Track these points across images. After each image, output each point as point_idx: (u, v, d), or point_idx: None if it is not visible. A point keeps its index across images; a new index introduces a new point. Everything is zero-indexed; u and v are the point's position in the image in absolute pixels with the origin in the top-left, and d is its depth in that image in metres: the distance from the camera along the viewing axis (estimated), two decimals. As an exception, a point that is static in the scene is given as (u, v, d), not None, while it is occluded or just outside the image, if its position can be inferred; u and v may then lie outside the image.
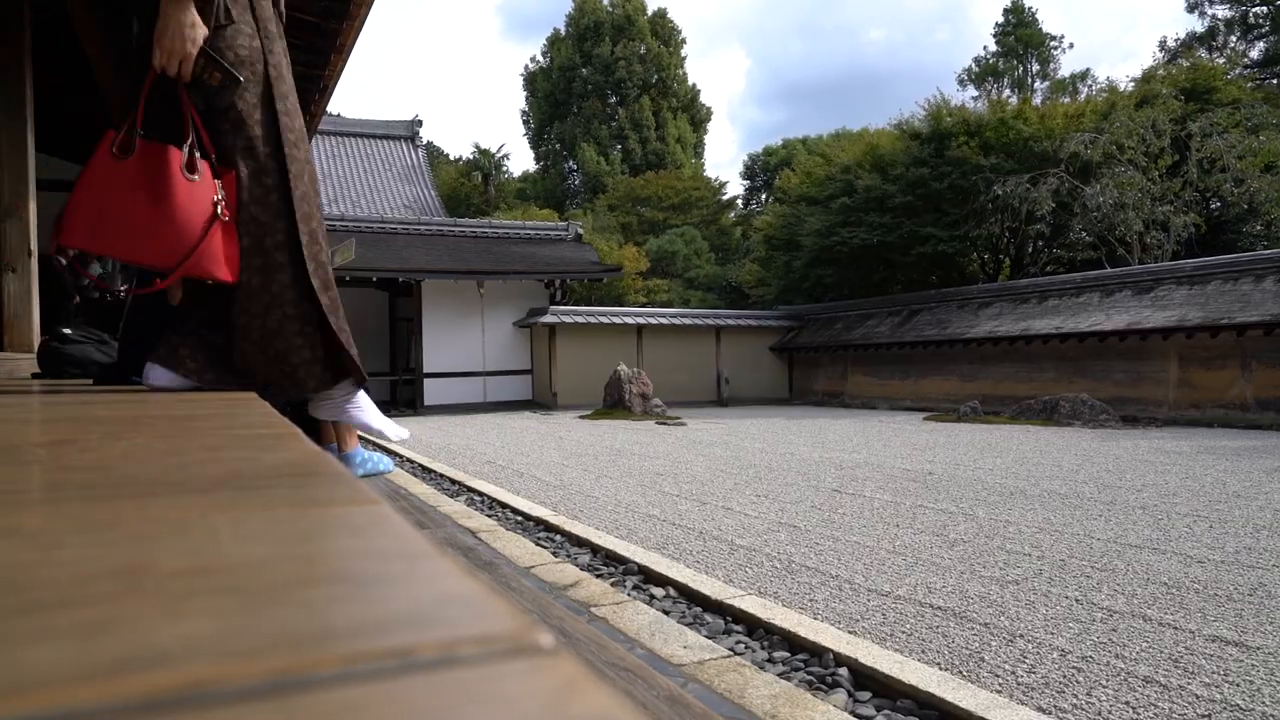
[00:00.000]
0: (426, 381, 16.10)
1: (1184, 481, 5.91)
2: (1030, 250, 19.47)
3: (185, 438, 0.77)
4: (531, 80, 42.04)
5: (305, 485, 0.48)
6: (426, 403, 15.98)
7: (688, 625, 2.78)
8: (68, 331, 3.49)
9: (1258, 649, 2.50)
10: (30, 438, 0.79)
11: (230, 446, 0.69)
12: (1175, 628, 2.70)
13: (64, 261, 1.91)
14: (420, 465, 7.15)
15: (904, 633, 2.70)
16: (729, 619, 2.86)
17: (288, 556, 0.30)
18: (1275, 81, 23.67)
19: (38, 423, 1.00)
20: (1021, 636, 2.64)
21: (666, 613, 2.91)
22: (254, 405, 1.29)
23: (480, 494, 5.61)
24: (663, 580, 3.30)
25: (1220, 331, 10.93)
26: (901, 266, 19.60)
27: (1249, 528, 4.26)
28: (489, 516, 4.78)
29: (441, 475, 6.58)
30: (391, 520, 0.35)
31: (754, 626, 2.75)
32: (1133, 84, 18.84)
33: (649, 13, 40.28)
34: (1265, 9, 26.88)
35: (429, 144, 34.68)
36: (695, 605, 3.03)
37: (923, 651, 2.53)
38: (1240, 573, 3.37)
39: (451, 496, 5.55)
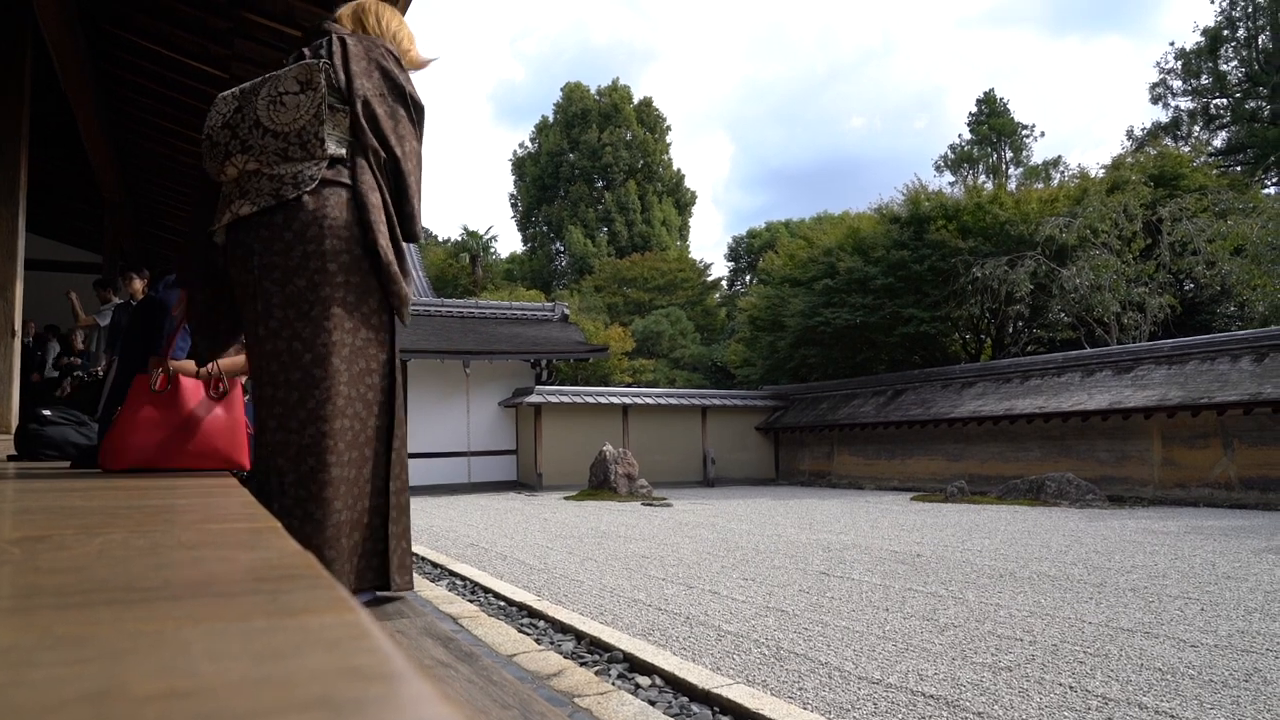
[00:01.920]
0: (410, 461, 15.92)
1: (1173, 563, 5.87)
2: (1011, 330, 19.76)
3: (163, 532, 0.76)
4: (520, 165, 43.01)
5: (282, 591, 0.47)
6: (410, 483, 15.77)
7: (674, 716, 2.71)
8: (47, 413, 3.46)
9: (1256, 739, 2.45)
10: (3, 533, 0.77)
11: (208, 544, 0.68)
12: (1172, 716, 2.65)
13: (29, 341, 2.16)
14: (402, 548, 7.02)
15: (896, 723, 2.63)
16: (717, 709, 2.78)
17: (262, 677, 0.29)
18: (1239, 169, 24.53)
19: (11, 514, 0.98)
20: (1016, 727, 2.58)
21: (652, 703, 2.83)
22: (233, 493, 1.28)
23: (462, 578, 5.50)
24: (648, 668, 3.22)
25: (1201, 411, 11.03)
26: (885, 347, 19.80)
27: (1240, 610, 4.22)
28: (471, 601, 4.68)
29: (423, 559, 6.45)
30: (369, 633, 0.35)
31: (742, 717, 2.67)
32: (1103, 170, 19.48)
33: (635, 101, 41.57)
34: (1225, 100, 28.09)
35: (418, 225, 35.15)
36: (682, 694, 2.95)
37: (915, 743, 2.46)
38: (1234, 657, 3.32)
39: (433, 581, 5.43)
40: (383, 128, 2.06)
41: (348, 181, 2.01)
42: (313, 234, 1.94)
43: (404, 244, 2.11)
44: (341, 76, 2.05)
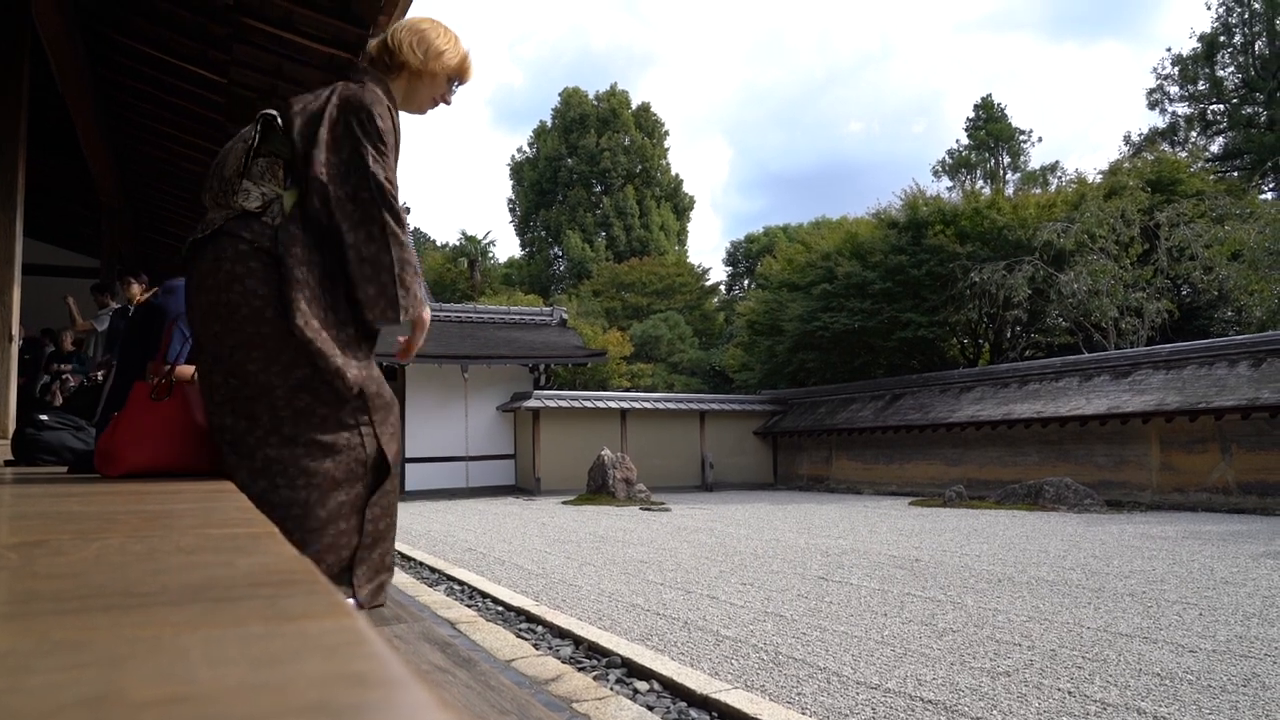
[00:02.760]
0: (408, 466, 15.92)
1: (1171, 567, 5.87)
2: (1009, 335, 19.78)
3: (160, 538, 0.76)
4: (518, 170, 43.03)
5: (280, 596, 0.47)
6: (408, 488, 15.77)
7: (672, 722, 2.70)
8: (44, 418, 3.46)
9: (1254, 744, 2.45)
10: (0, 538, 0.77)
11: (205, 549, 0.68)
12: (1170, 722, 2.65)
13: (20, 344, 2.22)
14: (400, 553, 7.01)
15: (894, 729, 2.63)
16: (715, 714, 2.77)
17: (260, 683, 0.29)
18: (1236, 174, 24.60)
19: (8, 519, 0.98)
20: (1014, 732, 2.57)
21: (651, 708, 2.82)
22: (231, 498, 1.28)
23: (461, 583, 5.49)
24: (647, 673, 3.21)
25: (1199, 415, 11.04)
26: (883, 351, 19.81)
27: (1238, 615, 4.22)
28: (469, 606, 4.67)
29: (421, 563, 6.44)
30: (367, 639, 0.35)
31: (741, 723, 2.66)
32: (1101, 176, 19.51)
33: (633, 106, 41.63)
34: (1222, 106, 28.17)
35: (416, 230, 35.21)
36: (680, 700, 2.95)
37: (914, 749, 2.46)
38: (1233, 663, 3.32)
39: (431, 585, 5.43)
40: (335, 213, 1.93)
41: (264, 244, 1.91)
42: (209, 284, 1.93)
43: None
44: (299, 143, 1.97)
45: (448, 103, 2.26)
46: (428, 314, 2.08)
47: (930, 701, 2.87)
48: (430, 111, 2.27)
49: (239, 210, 1.94)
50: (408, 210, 29.88)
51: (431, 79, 2.18)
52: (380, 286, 1.94)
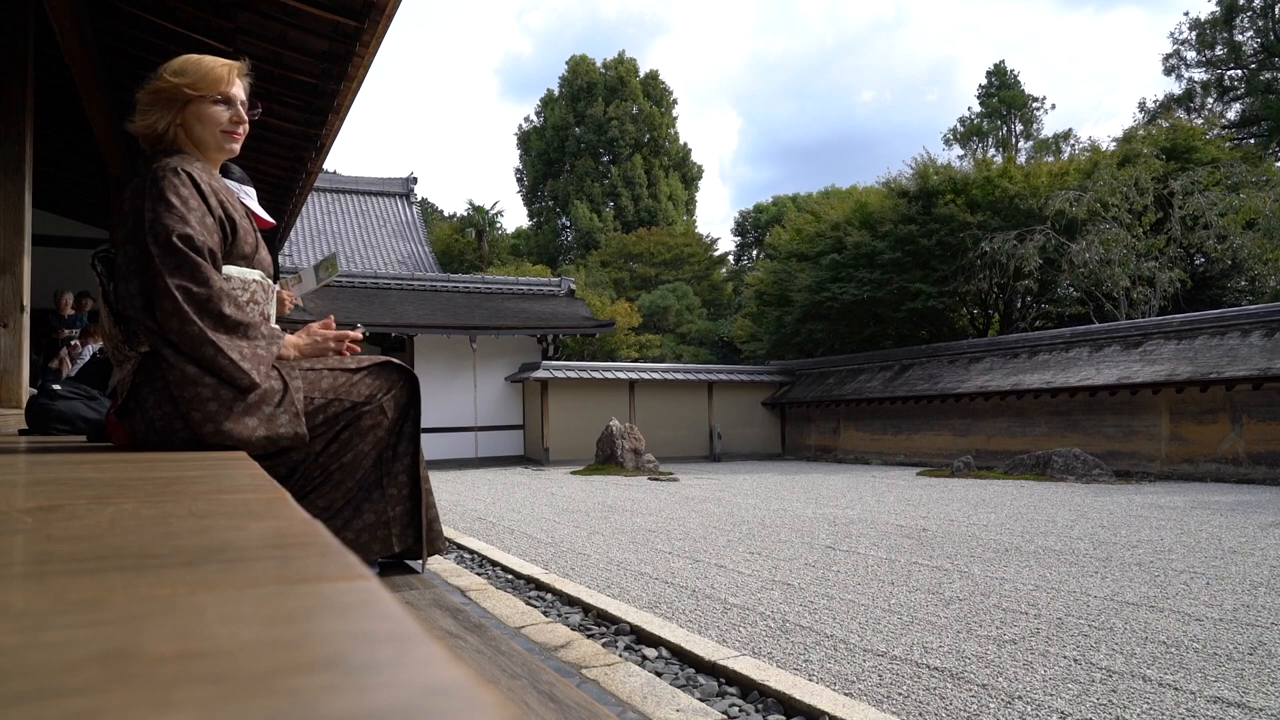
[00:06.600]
0: (418, 437, 16.00)
1: (1179, 537, 5.88)
2: (1019, 305, 19.66)
3: (173, 502, 0.76)
4: (526, 139, 42.72)
5: (293, 558, 0.48)
6: (417, 458, 15.86)
7: (680, 687, 2.73)
8: (57, 387, 3.48)
9: (1260, 710, 2.46)
10: (16, 503, 0.78)
11: (218, 513, 0.69)
12: (1176, 688, 2.67)
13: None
14: (410, 522, 7.07)
15: (900, 694, 2.66)
16: (723, 681, 2.80)
17: (274, 640, 0.30)
18: (1252, 141, 24.24)
19: (23, 485, 0.99)
20: (1020, 698, 2.60)
21: (659, 674, 2.85)
22: (242, 465, 1.28)
23: (470, 551, 5.54)
24: (655, 640, 3.24)
25: (1210, 386, 10.99)
26: (892, 322, 19.74)
27: (1246, 584, 4.23)
28: (479, 574, 4.72)
29: (431, 532, 6.50)
30: (380, 598, 0.35)
31: (748, 688, 2.70)
32: (1114, 144, 19.24)
33: (641, 75, 41.17)
34: (1240, 72, 27.70)
35: (424, 200, 35.08)
36: (688, 666, 2.98)
37: (920, 714, 2.49)
38: (1239, 631, 3.33)
39: (441, 554, 5.47)
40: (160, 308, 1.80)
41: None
42: (149, 440, 1.92)
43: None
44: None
45: (244, 118, 2.11)
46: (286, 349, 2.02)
47: (936, 669, 2.90)
48: (227, 136, 2.10)
49: (140, 355, 1.85)
50: (415, 180, 29.75)
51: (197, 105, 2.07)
52: (211, 362, 1.77)
